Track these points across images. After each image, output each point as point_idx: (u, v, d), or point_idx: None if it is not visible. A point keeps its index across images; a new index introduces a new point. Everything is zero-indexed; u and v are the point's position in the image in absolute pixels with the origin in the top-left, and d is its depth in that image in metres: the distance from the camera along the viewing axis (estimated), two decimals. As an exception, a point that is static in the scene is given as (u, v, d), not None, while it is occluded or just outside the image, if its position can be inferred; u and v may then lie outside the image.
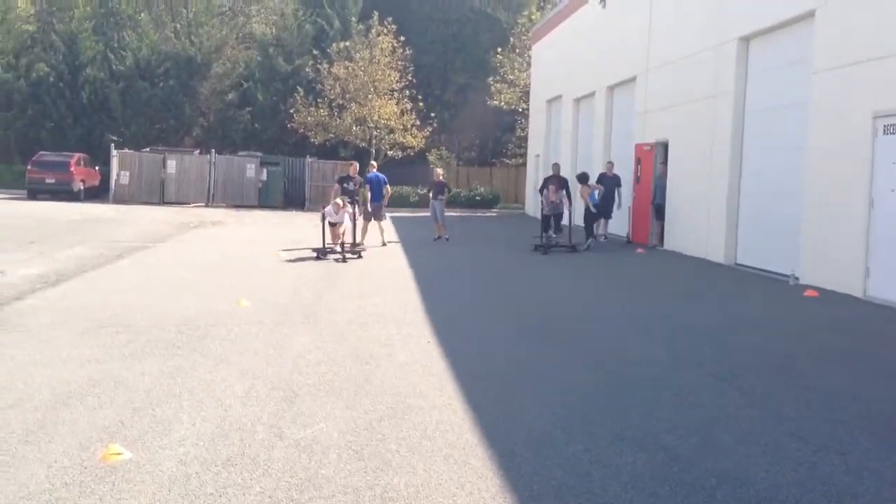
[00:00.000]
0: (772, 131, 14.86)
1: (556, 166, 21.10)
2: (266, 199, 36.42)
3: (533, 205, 34.89)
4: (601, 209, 20.14)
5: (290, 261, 16.01)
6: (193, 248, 18.36)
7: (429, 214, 21.59)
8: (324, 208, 17.66)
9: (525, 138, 42.33)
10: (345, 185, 18.60)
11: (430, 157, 42.97)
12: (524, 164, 42.83)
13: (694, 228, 17.27)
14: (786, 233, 14.00)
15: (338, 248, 16.30)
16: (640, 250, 18.78)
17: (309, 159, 36.95)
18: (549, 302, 11.46)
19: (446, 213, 21.34)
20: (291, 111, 39.70)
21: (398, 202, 37.10)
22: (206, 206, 35.38)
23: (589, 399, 6.53)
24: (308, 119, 39.13)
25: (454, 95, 48.47)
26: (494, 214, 36.57)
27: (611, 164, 21.38)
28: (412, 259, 16.58)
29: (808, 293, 12.06)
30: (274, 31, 44.67)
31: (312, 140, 39.60)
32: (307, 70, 41.26)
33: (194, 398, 6.45)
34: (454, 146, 46.24)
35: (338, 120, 39.22)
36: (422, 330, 9.24)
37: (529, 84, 39.81)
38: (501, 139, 45.41)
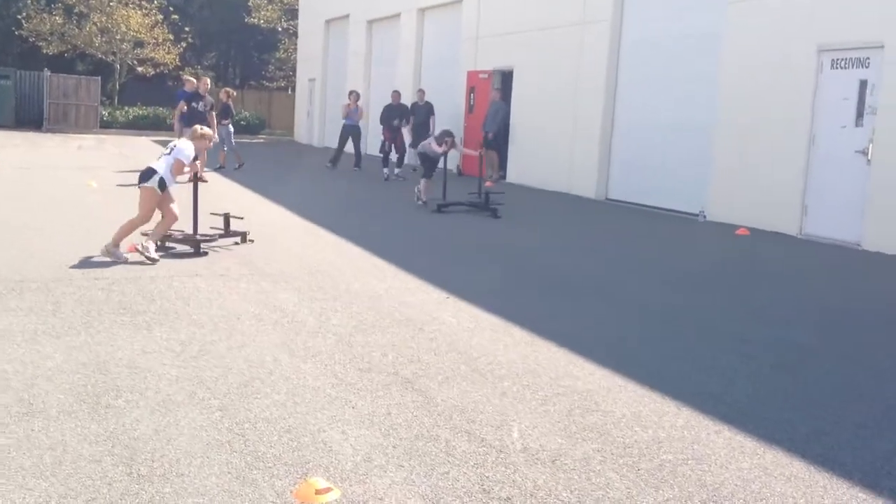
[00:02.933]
0: (660, 62, 14.39)
1: (397, 94, 19.59)
2: (-7, 116, 31.38)
3: (305, 133, 33.01)
4: (416, 140, 19.10)
5: (119, 194, 13.48)
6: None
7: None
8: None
9: (287, 60, 39.90)
10: (193, 104, 15.67)
11: (186, 76, 39.20)
12: (286, 88, 40.48)
13: (552, 161, 16.66)
14: (680, 168, 13.68)
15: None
16: (488, 183, 17.92)
17: (47, 73, 32.18)
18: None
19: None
20: (20, 17, 34.32)
21: (156, 124, 33.63)
22: (-82, 121, 29.85)
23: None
24: (42, 27, 34.05)
25: (200, 10, 44.57)
26: (263, 141, 34.16)
27: (421, 91, 20.21)
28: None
29: (740, 231, 11.82)
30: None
31: (45, 51, 34.62)
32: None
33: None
34: (216, 66, 42.60)
35: (77, 29, 34.51)
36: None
37: (292, 2, 37.35)
38: (259, 60, 42.50)
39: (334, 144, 21.00)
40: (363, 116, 20.76)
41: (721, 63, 12.69)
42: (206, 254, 8.74)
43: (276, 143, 33.36)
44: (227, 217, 9.43)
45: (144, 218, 8.39)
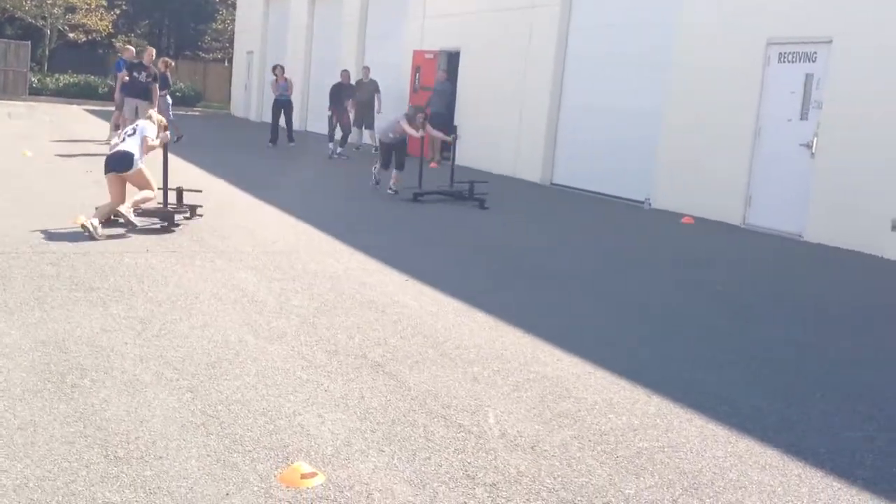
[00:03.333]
0: (610, 48, 14.49)
1: (346, 73, 19.37)
2: (-87, 80, 30.09)
3: (242, 106, 32.50)
4: (359, 119, 19.00)
5: (56, 165, 13.11)
6: None
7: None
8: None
9: (224, 31, 39.17)
10: (134, 74, 15.16)
11: (118, 44, 38.18)
12: (223, 60, 39.76)
13: (498, 145, 16.68)
14: (626, 155, 13.83)
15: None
16: (432, 164, 17.89)
17: (-27, 36, 30.97)
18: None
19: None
20: (-56, -26, 32.96)
21: (87, 93, 32.72)
22: None
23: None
24: (-33, -13, 32.75)
25: (134, -24, 43.36)
26: (199, 114, 33.48)
27: (367, 69, 20.05)
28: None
29: (685, 220, 12.01)
30: None
31: (-29, 12, 33.32)
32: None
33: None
34: (149, 35, 41.51)
35: (6, -9, 33.30)
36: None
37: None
38: (196, 30, 41.58)
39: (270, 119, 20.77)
40: (292, 89, 20.51)
41: (671, 52, 12.82)
42: (176, 227, 8.57)
43: (212, 116, 32.74)
44: (179, 190, 9.23)
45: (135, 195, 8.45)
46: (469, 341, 5.51)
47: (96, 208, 8.34)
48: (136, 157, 8.34)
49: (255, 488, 3.32)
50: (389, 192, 12.35)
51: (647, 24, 13.70)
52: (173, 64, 18.39)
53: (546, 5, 15.57)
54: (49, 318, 5.32)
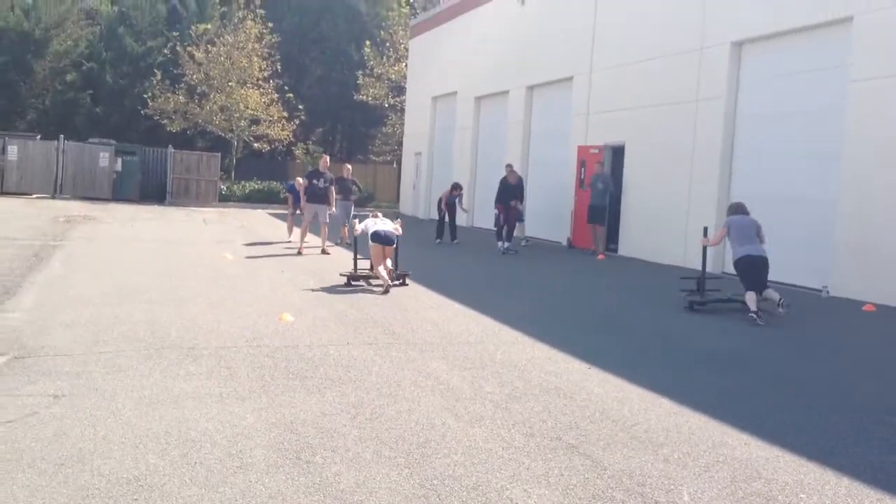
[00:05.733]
0: (773, 137, 14.63)
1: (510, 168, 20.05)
2: (121, 191, 33.26)
3: (411, 204, 33.95)
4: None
5: (253, 266, 14.32)
6: (115, 248, 16.20)
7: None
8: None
9: (392, 134, 41.24)
10: (313, 181, 16.63)
11: (297, 152, 41.00)
12: (391, 162, 41.76)
13: (665, 234, 16.87)
14: (800, 242, 13.78)
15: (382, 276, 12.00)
16: (600, 256, 18.24)
17: (171, 150, 34.08)
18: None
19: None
20: (146, 96, 36.58)
21: (269, 198, 35.11)
22: (53, 197, 31.85)
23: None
24: (166, 106, 36.17)
25: (310, 88, 46.55)
26: (370, 213, 35.08)
27: (510, 166, 20.45)
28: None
29: (866, 308, 11.83)
30: (118, 8, 40.99)
31: (168, 128, 36.68)
32: (165, 52, 38.02)
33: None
34: (323, 141, 44.32)
35: (198, 108, 36.52)
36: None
37: (399, 79, 38.76)
38: (367, 134, 44.01)
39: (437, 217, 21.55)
40: (462, 199, 21.27)
41: (841, 139, 12.87)
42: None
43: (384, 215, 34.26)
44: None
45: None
46: (657, 425, 5.80)
47: (380, 275, 11.81)
48: (395, 238, 12.30)
49: (478, 552, 3.74)
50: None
51: (814, 112, 13.76)
52: (351, 170, 19.60)
53: (710, 98, 15.88)
54: (275, 404, 6.01)
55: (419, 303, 11.03)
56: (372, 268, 12.35)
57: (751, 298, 10.48)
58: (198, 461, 4.75)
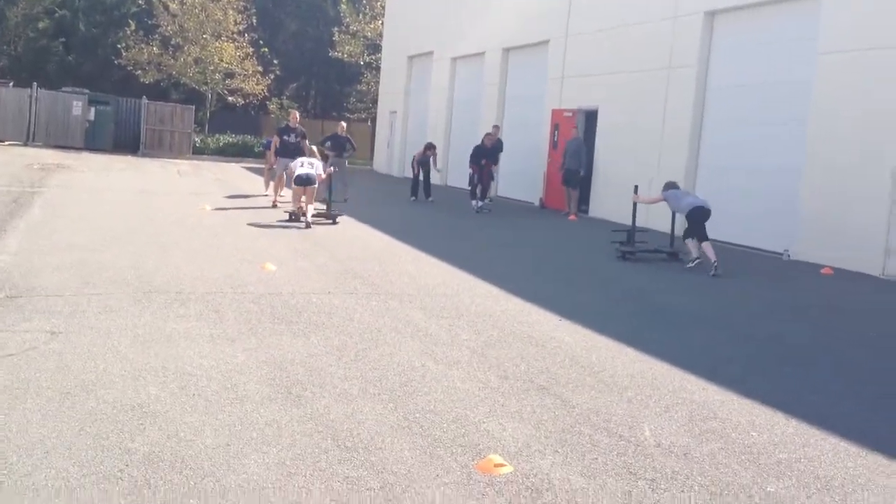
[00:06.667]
0: (743, 106, 15.06)
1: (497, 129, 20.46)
2: (93, 141, 33.09)
3: (385, 163, 34.12)
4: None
5: (231, 217, 14.57)
6: (92, 197, 16.36)
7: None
8: (272, 161, 16.76)
9: (367, 92, 41.24)
10: (284, 137, 16.85)
11: (271, 107, 40.90)
12: (366, 120, 41.80)
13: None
14: (765, 208, 14.28)
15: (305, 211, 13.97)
16: (572, 217, 18.66)
17: (145, 100, 33.92)
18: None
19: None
20: (120, 46, 36.26)
21: (243, 152, 35.10)
22: (25, 144, 31.65)
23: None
24: (140, 57, 35.90)
25: (285, 43, 46.26)
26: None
27: (496, 128, 20.96)
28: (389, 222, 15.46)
29: (824, 271, 12.34)
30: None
31: (142, 80, 36.44)
32: (139, 2, 37.61)
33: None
34: (297, 97, 44.17)
35: (172, 60, 36.29)
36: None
37: (375, 37, 38.70)
38: (341, 92, 43.93)
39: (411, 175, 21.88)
40: (436, 158, 21.59)
41: (811, 108, 13.31)
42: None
43: (357, 173, 34.39)
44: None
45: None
46: (622, 371, 6.22)
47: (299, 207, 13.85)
48: (315, 178, 14.09)
49: (458, 474, 4.15)
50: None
51: (783, 83, 14.18)
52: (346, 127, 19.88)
53: (683, 66, 16.23)
54: (263, 345, 6.34)
55: (396, 256, 11.36)
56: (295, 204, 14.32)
57: (707, 248, 11.64)
58: (196, 392, 5.09)
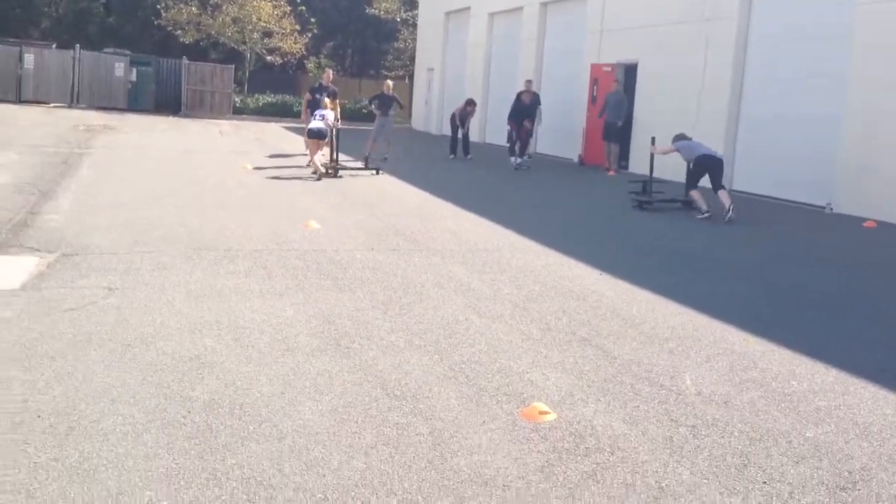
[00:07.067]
0: (783, 57, 14.88)
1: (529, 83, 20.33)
2: (136, 101, 33.48)
3: (422, 120, 34.10)
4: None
5: (272, 176, 14.80)
6: (137, 157, 16.70)
7: (370, 129, 19.87)
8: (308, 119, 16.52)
9: (405, 49, 41.12)
10: (316, 95, 16.99)
11: (309, 65, 40.97)
12: (403, 77, 41.72)
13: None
14: (806, 161, 14.16)
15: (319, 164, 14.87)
16: (611, 172, 18.62)
17: (185, 61, 34.16)
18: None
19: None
20: (159, 7, 36.46)
21: (283, 111, 35.28)
22: (70, 106, 32.11)
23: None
24: (179, 17, 36.09)
25: (321, 1, 46.12)
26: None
27: (529, 82, 20.81)
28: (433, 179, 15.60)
29: (867, 224, 12.27)
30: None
31: (181, 40, 36.66)
32: (178, -38, 37.77)
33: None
34: (334, 55, 44.19)
35: (211, 20, 36.44)
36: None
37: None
38: (378, 49, 43.84)
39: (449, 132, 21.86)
40: (474, 114, 21.57)
41: (849, 60, 13.13)
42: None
43: (396, 131, 34.45)
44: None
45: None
46: (663, 323, 6.32)
47: (314, 164, 14.55)
48: (326, 131, 15.02)
49: (504, 420, 4.30)
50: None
51: (825, 35, 13.98)
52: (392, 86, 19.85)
53: (722, 18, 16.03)
54: (311, 300, 6.53)
55: (436, 213, 11.49)
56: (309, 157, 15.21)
57: (697, 196, 12.30)
58: (249, 344, 5.29)
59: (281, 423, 4.07)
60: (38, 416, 3.98)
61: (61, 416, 4.01)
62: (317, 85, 17.70)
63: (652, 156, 13.55)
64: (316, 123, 15.12)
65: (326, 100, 16.24)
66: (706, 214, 12.05)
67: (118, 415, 4.06)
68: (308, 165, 15.56)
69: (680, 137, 12.93)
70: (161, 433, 3.88)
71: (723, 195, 12.07)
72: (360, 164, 16.12)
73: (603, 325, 6.19)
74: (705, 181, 12.51)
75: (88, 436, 3.81)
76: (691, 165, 12.58)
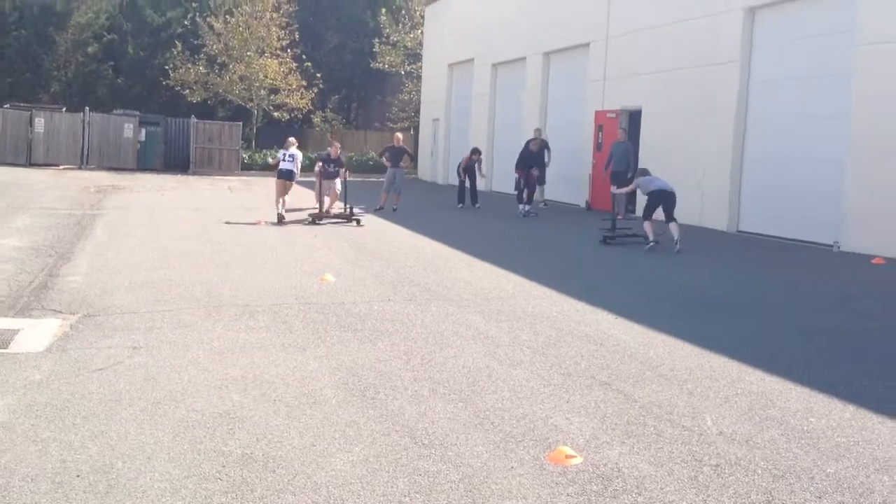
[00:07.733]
0: (785, 99, 15.13)
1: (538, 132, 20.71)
2: (145, 161, 33.93)
3: (429, 170, 34.43)
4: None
5: (285, 231, 15.00)
6: (150, 216, 16.90)
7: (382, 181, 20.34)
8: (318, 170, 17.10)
9: (409, 101, 41.64)
10: (326, 167, 17.48)
11: (315, 120, 41.50)
12: (409, 129, 42.20)
13: (679, 195, 17.34)
14: (808, 200, 14.34)
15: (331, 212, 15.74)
16: (619, 216, 18.72)
17: (193, 120, 34.67)
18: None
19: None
20: (167, 67, 37.09)
21: (290, 166, 35.50)
22: (80, 168, 32.55)
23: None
24: (187, 77, 36.70)
25: (326, 56, 46.84)
26: (390, 179, 35.57)
27: (538, 130, 21.15)
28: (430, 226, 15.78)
29: (876, 261, 12.38)
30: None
31: (189, 99, 37.23)
32: (185, 22, 38.49)
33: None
34: (340, 109, 44.75)
35: (218, 78, 37.03)
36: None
37: (415, 46, 39.11)
38: (383, 102, 44.40)
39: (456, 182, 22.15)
40: (481, 163, 21.87)
41: (851, 101, 13.37)
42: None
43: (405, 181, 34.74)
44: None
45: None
46: (680, 365, 6.42)
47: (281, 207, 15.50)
48: (296, 174, 16.20)
49: (531, 465, 4.39)
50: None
51: (826, 76, 14.24)
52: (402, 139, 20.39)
53: (725, 62, 16.31)
54: (333, 352, 6.65)
55: (449, 262, 11.63)
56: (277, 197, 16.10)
57: (647, 227, 13.18)
58: (276, 398, 5.40)
59: (314, 475, 4.17)
60: (78, 476, 4.09)
61: (99, 474, 4.11)
62: (325, 154, 18.20)
63: (613, 196, 15.17)
64: (286, 165, 16.30)
65: (291, 138, 17.72)
66: (650, 244, 13.02)
67: (155, 471, 4.16)
68: (308, 215, 16.32)
69: (642, 173, 13.91)
70: (198, 488, 3.98)
71: (672, 227, 12.97)
72: (350, 213, 16.49)
73: (622, 369, 6.28)
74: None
75: (128, 493, 3.91)
76: (646, 199, 13.53)
